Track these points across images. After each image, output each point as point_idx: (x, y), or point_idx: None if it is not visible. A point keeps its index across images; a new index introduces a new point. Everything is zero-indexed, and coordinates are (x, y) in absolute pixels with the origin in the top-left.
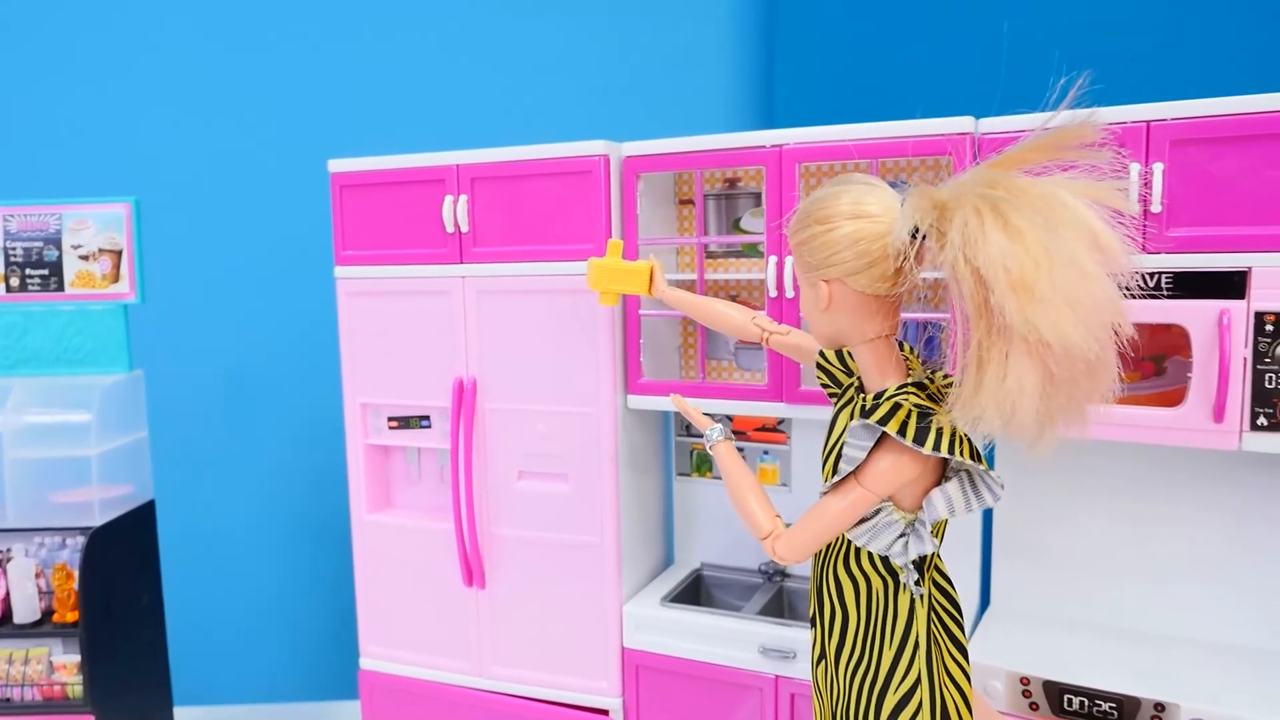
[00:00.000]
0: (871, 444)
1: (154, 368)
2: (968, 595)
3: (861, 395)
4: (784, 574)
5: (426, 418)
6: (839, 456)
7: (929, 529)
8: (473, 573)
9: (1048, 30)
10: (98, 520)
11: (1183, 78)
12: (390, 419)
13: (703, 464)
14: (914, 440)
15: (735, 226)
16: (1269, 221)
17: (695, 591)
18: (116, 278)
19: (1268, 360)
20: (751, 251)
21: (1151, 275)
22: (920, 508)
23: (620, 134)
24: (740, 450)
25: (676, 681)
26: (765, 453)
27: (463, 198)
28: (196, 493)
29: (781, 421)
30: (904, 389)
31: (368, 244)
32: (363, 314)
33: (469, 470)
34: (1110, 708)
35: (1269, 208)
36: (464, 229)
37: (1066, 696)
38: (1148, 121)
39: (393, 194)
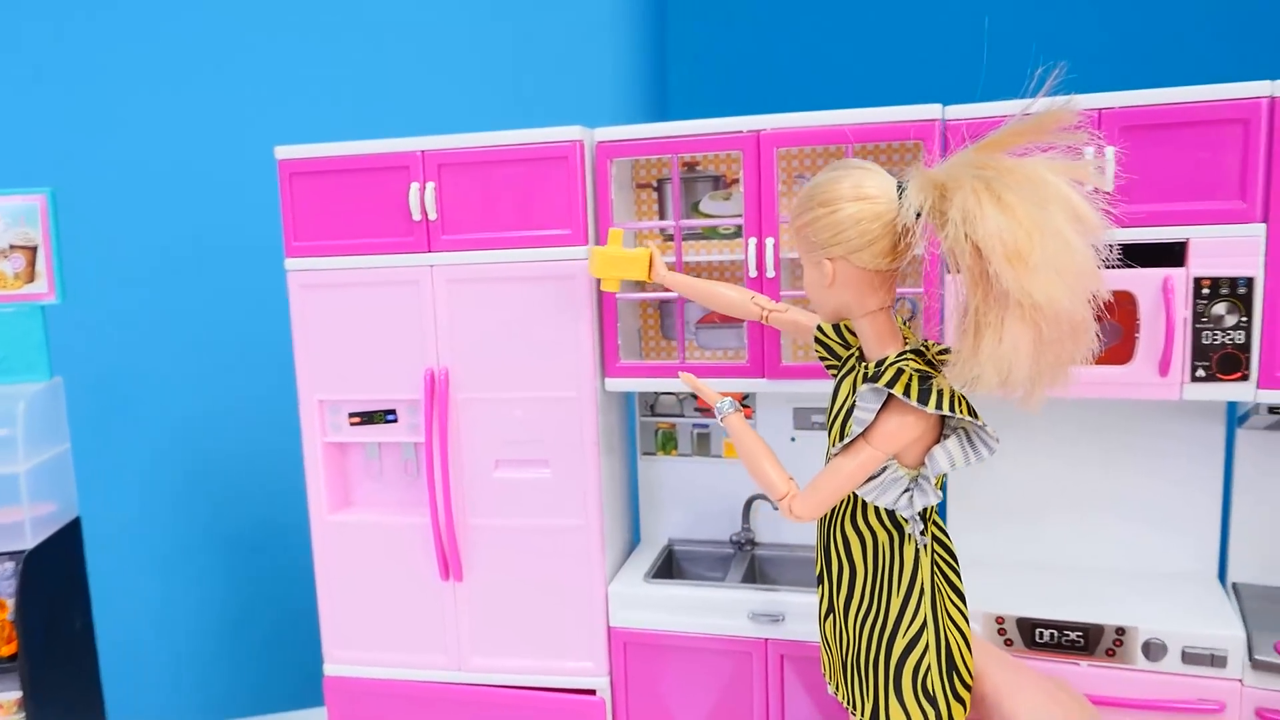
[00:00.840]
0: (879, 406)
1: (67, 373)
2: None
3: (863, 364)
4: (753, 543)
5: (392, 412)
6: (845, 420)
7: (931, 483)
8: (450, 566)
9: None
10: (30, 542)
11: (1132, 69)
12: (351, 415)
13: (667, 443)
14: (918, 400)
15: (695, 209)
16: (1203, 198)
17: (669, 567)
18: (32, 276)
19: (1204, 320)
20: (712, 234)
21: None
22: (922, 464)
23: (505, 123)
24: (705, 426)
25: (663, 655)
26: None
27: (430, 185)
28: (120, 506)
29: (747, 397)
30: (904, 355)
31: (323, 234)
32: (318, 307)
33: (445, 462)
34: (1078, 636)
35: (1203, 186)
36: (432, 216)
37: (1038, 630)
38: (1100, 110)
39: (349, 181)
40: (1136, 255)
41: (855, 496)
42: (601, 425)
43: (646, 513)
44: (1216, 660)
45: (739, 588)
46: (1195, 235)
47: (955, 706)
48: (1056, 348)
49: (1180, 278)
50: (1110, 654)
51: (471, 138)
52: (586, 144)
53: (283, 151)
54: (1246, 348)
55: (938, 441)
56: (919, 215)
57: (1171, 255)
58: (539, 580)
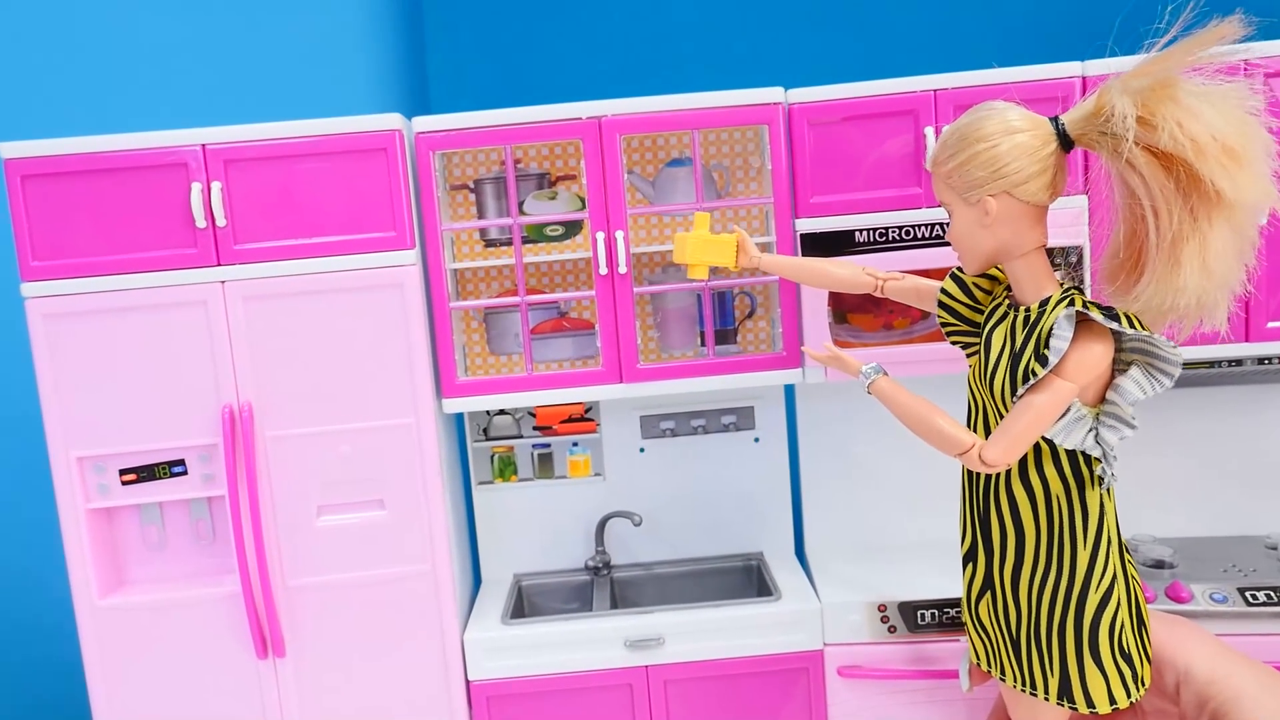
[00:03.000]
0: (1072, 334)
1: None
2: (785, 537)
3: (1018, 310)
4: (610, 566)
5: (180, 462)
6: (1011, 368)
7: (1124, 416)
8: (268, 639)
9: None
10: None
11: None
12: (124, 472)
13: (505, 468)
14: (1105, 318)
15: (520, 211)
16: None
17: (523, 605)
18: None
19: None
20: (538, 236)
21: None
22: (1101, 401)
23: (248, 118)
24: (547, 446)
25: (533, 703)
26: (574, 444)
27: (215, 184)
28: None
29: (589, 410)
30: (1068, 291)
31: (73, 250)
32: (71, 341)
33: (256, 515)
34: (957, 613)
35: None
36: (220, 223)
37: (920, 613)
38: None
39: (106, 184)
40: None
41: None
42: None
43: (487, 548)
44: None
45: (609, 615)
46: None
47: (1145, 665)
48: (1247, 247)
49: None
50: None
51: (265, 129)
52: (405, 134)
53: (9, 149)
54: None
55: (1113, 377)
56: (1068, 149)
57: None
58: (380, 640)
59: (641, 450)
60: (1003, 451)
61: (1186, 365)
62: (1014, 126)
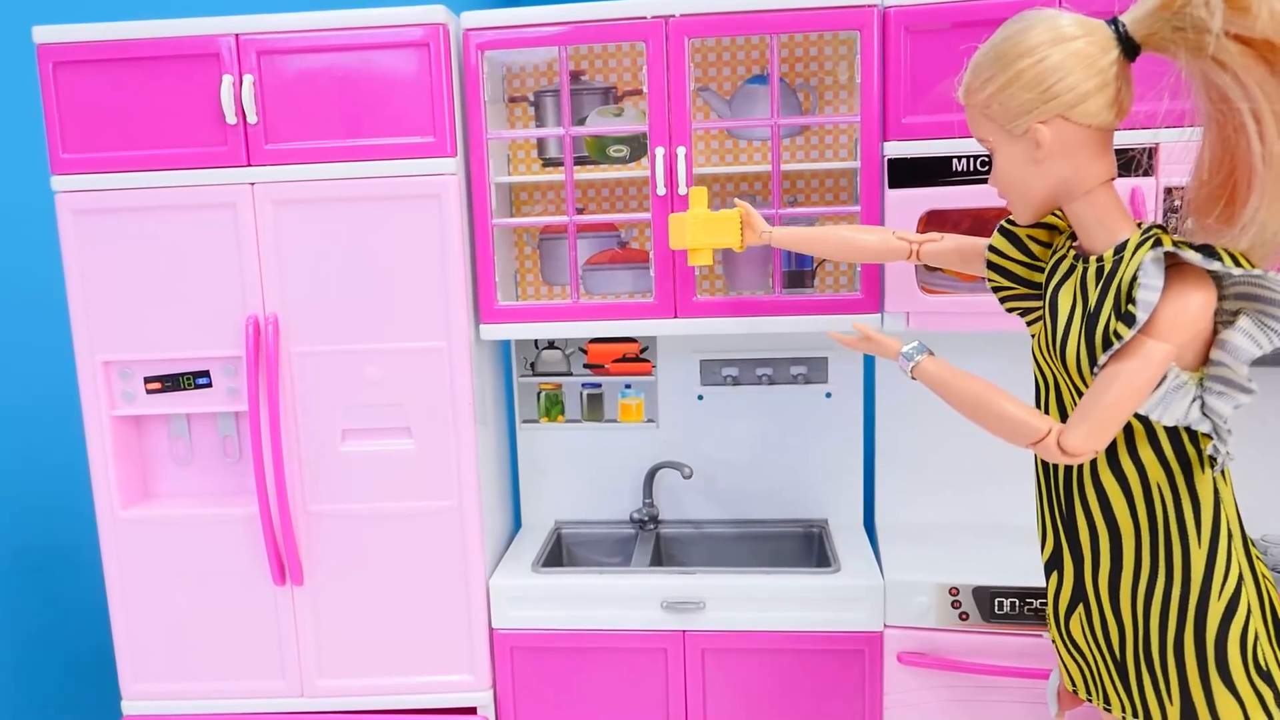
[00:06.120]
0: (1163, 282)
1: None
2: (854, 505)
3: (1093, 259)
4: (657, 521)
5: (205, 373)
6: (1085, 332)
7: (1239, 379)
8: (285, 566)
9: None
10: None
11: None
12: (149, 380)
13: (552, 407)
14: (1204, 258)
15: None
16: (1172, 96)
17: (559, 554)
18: None
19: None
20: (600, 156)
21: None
22: (1203, 364)
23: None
24: (597, 386)
25: (560, 659)
26: (627, 386)
27: (247, 78)
28: None
29: (645, 349)
30: (1149, 231)
31: (103, 144)
32: (100, 239)
33: (276, 434)
34: (1041, 604)
35: (1173, 83)
36: (251, 120)
37: (998, 600)
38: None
39: (138, 74)
40: None
41: None
42: (475, 384)
43: (528, 491)
44: None
45: (647, 572)
46: (1165, 140)
47: None
48: None
49: (1149, 189)
50: None
51: (300, 18)
52: (452, 31)
53: (43, 33)
54: None
55: (1214, 334)
56: (1131, 56)
57: (1139, 165)
58: (400, 577)
59: (700, 398)
60: (1086, 437)
61: None
62: (1065, 33)
